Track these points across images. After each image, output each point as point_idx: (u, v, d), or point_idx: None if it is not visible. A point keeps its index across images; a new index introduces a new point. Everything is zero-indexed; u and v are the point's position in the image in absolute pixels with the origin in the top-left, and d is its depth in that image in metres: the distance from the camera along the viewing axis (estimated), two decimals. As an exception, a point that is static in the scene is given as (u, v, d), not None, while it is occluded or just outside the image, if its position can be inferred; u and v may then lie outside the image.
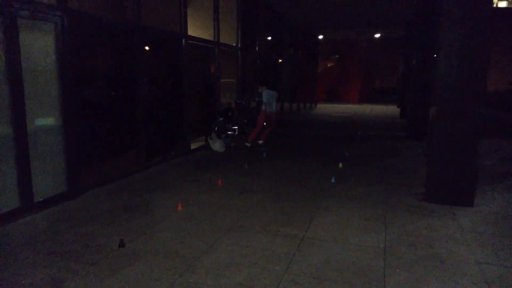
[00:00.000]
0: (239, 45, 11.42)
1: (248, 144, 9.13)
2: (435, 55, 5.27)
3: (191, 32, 8.44)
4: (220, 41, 9.88)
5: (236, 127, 10.05)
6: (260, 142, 9.35)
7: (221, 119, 9.11)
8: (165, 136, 8.07)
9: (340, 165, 7.39)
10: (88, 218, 4.68)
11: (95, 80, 6.41)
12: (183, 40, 8.06)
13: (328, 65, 28.25)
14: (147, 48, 7.02)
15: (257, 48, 12.47)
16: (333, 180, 6.32)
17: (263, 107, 9.21)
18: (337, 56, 27.57)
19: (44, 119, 5.07)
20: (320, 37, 23.29)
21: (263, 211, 5.03)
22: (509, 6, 22.08)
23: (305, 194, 5.72)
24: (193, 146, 8.95)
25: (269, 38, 14.77)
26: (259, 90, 9.31)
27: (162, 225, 4.53)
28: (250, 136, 9.23)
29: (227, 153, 8.73)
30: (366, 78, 27.16)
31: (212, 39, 9.60)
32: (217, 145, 8.79)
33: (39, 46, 4.93)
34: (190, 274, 3.45)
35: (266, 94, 9.04)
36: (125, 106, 6.72)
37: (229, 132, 9.27)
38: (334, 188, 5.97)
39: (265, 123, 9.30)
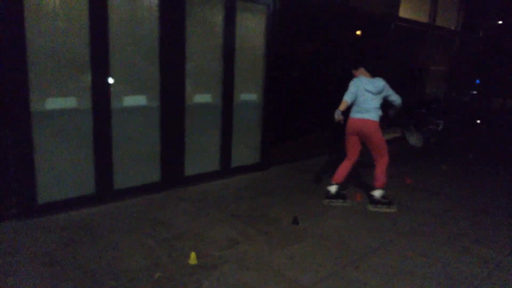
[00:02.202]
0: (459, 29, 10.03)
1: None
2: None
3: (402, 13, 7.83)
4: (436, 24, 8.87)
5: (441, 121, 8.98)
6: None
7: (423, 110, 8.27)
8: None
9: None
10: (269, 191, 4.99)
11: (296, 62, 6.66)
12: (393, 23, 7.55)
13: None
14: (358, 32, 6.84)
15: (481, 34, 10.71)
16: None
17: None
18: None
19: (248, 95, 5.57)
20: None
21: (454, 220, 4.36)
22: None
23: (516, 211, 4.69)
24: (386, 137, 8.42)
25: (500, 22, 12.48)
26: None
27: (335, 212, 4.44)
28: None
29: (424, 149, 7.91)
30: None
31: (426, 21, 8.70)
32: (413, 139, 8.06)
33: (251, 26, 5.38)
34: (354, 269, 3.27)
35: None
36: (318, 92, 6.79)
37: (430, 126, 8.36)
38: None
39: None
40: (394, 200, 4.73)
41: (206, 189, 4.94)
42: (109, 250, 3.33)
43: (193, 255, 3.22)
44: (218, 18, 4.95)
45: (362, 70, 4.67)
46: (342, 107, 4.43)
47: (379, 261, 3.41)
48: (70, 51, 3.85)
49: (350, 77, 4.68)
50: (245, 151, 5.67)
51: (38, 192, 3.81)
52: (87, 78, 3.99)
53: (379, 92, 4.52)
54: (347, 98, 4.49)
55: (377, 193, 4.62)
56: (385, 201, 4.61)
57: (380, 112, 4.54)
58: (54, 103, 3.81)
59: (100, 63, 4.03)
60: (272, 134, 5.92)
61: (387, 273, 3.23)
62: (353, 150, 4.68)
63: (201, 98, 5.03)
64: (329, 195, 4.67)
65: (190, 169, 5.00)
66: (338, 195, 4.68)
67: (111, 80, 4.15)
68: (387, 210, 4.55)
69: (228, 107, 5.25)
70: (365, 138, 4.56)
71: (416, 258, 3.50)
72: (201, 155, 5.12)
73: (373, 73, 4.69)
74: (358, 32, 6.75)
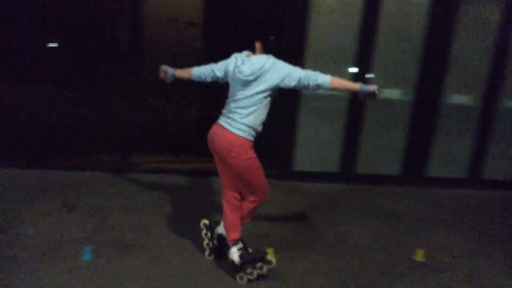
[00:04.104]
0: None
1: None
2: None
3: None
4: None
5: None
6: None
7: None
8: None
9: None
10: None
11: None
12: None
13: None
14: None
15: None
16: None
17: None
18: None
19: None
20: None
21: None
22: None
23: None
24: None
25: None
26: None
27: None
28: None
29: None
30: None
31: None
32: None
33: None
34: None
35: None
36: None
37: None
38: None
39: None
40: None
41: (448, 195, 4.69)
42: (342, 225, 3.70)
43: (420, 252, 3.21)
44: (495, 15, 4.51)
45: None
46: (178, 71, 2.97)
47: None
48: (338, 45, 4.36)
49: None
50: (502, 164, 5.02)
51: (295, 161, 4.55)
52: (350, 69, 4.43)
53: (255, 79, 2.56)
54: (198, 68, 2.89)
55: (235, 253, 2.70)
56: (253, 257, 2.71)
57: (255, 121, 2.61)
58: (319, 88, 4.44)
59: (363, 57, 4.39)
60: None
61: None
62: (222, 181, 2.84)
63: (459, 98, 4.75)
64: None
65: (432, 171, 4.85)
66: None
67: (370, 74, 4.46)
68: (265, 270, 2.69)
69: (488, 112, 4.76)
70: (222, 161, 2.71)
71: None
72: (447, 159, 4.86)
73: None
74: None
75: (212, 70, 2.81)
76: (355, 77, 4.42)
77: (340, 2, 4.32)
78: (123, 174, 4.31)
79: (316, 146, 4.58)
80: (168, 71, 2.96)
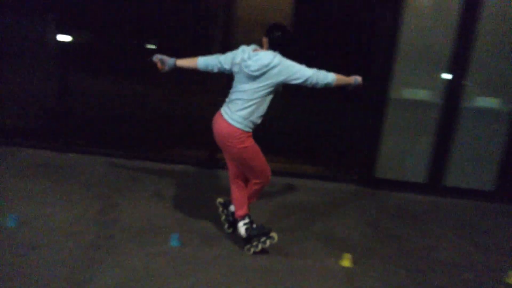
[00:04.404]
0: None
1: None
2: None
3: None
4: None
5: None
6: None
7: None
8: None
9: None
10: None
11: None
12: None
13: None
14: None
15: None
16: None
17: None
18: None
19: None
20: None
21: None
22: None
23: None
24: None
25: None
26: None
27: None
28: None
29: None
30: None
31: None
32: None
33: None
34: None
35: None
36: None
37: None
38: None
39: None
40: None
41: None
42: (425, 238, 3.52)
43: (514, 275, 2.96)
44: None
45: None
46: (180, 61, 2.96)
47: None
48: (433, 48, 4.15)
49: None
50: None
51: (377, 167, 4.41)
52: (444, 74, 4.18)
53: (261, 74, 2.65)
54: (205, 59, 2.94)
55: (242, 227, 2.95)
56: (258, 232, 2.93)
57: (254, 114, 2.73)
58: (409, 93, 4.25)
59: (459, 61, 4.13)
60: None
61: None
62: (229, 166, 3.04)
63: None
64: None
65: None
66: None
67: (466, 81, 4.18)
68: (267, 244, 2.92)
69: None
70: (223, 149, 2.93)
71: None
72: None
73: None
74: None
75: (219, 62, 2.87)
76: (449, 84, 4.17)
77: (436, 3, 4.11)
78: (213, 169, 4.53)
79: (401, 154, 4.40)
80: (167, 60, 2.92)
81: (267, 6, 4.35)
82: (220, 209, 3.23)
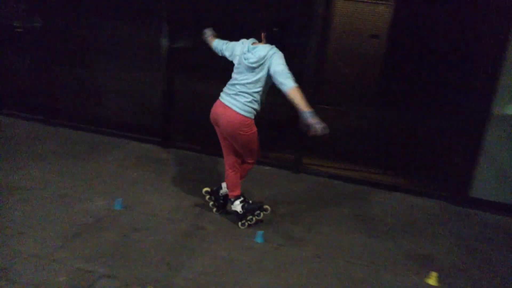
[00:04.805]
0: None
1: None
2: None
3: None
4: None
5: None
6: None
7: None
8: None
9: None
10: None
11: None
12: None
13: None
14: None
15: None
16: None
17: None
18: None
19: None
20: None
21: None
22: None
23: None
24: None
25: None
26: None
27: None
28: None
29: None
30: None
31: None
32: None
33: None
34: None
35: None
36: None
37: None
38: None
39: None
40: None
41: None
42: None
43: None
44: None
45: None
46: (210, 38, 3.39)
47: None
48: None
49: None
50: None
51: (473, 186, 4.13)
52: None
53: (259, 66, 2.91)
54: (217, 41, 3.32)
55: (238, 205, 3.28)
56: (254, 206, 3.32)
57: (258, 103, 3.03)
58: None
59: None
60: None
61: None
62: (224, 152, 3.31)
63: None
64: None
65: None
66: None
67: None
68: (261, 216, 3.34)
69: None
70: (225, 135, 3.16)
71: None
72: None
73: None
74: None
75: (222, 48, 3.19)
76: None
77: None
78: (299, 173, 4.60)
79: (501, 173, 4.06)
80: (207, 33, 3.38)
81: (364, 13, 4.32)
82: (207, 196, 3.48)
